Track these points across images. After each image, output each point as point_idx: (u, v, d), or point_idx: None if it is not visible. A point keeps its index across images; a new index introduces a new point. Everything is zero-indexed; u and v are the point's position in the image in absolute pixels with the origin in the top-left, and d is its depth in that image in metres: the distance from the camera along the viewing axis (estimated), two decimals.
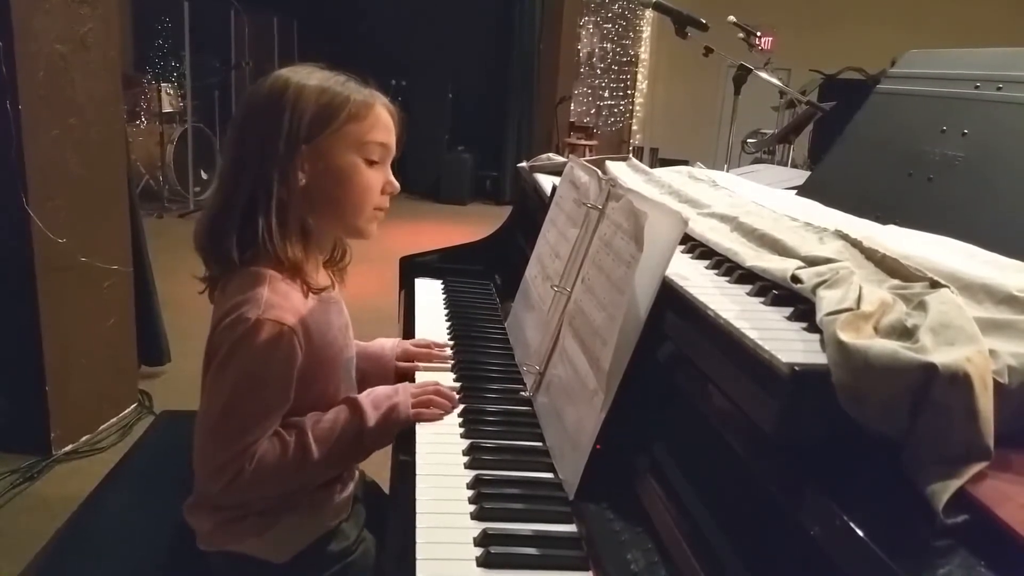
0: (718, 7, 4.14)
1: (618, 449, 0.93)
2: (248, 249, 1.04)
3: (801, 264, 0.85)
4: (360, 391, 1.17)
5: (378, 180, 1.11)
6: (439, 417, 1.13)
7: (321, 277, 1.15)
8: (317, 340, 1.07)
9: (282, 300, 1.02)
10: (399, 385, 1.17)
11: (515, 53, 8.12)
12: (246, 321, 0.99)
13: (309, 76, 1.07)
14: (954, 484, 0.55)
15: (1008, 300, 0.70)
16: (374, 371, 1.34)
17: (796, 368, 0.63)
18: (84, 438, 2.60)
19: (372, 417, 1.09)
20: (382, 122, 1.11)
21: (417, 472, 0.99)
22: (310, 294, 1.08)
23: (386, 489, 1.26)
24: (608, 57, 9.83)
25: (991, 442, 0.57)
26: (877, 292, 0.71)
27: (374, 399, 1.12)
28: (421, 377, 1.30)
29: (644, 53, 10.41)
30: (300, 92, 1.05)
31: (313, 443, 1.04)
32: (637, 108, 10.60)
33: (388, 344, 1.38)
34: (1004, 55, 1.21)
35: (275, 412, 1.03)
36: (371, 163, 1.10)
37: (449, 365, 1.35)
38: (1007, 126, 1.12)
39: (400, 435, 1.11)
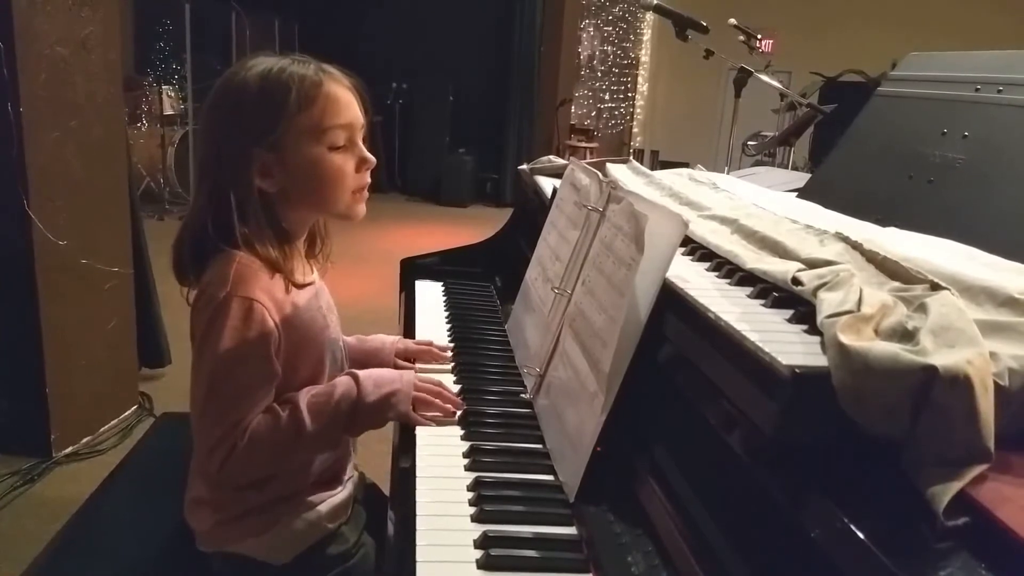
0: (718, 10, 4.15)
1: (619, 451, 0.93)
2: (221, 244, 1.03)
3: (802, 266, 0.85)
4: None
5: (349, 162, 1.06)
6: (434, 422, 1.12)
7: (305, 269, 1.14)
8: (294, 320, 1.06)
9: (250, 276, 1.01)
10: (404, 372, 1.16)
11: (516, 55, 8.13)
12: (215, 299, 0.99)
13: (250, 67, 1.02)
14: (955, 486, 0.55)
15: (1008, 302, 0.70)
16: (373, 365, 1.32)
17: (797, 370, 0.63)
18: (84, 440, 2.60)
19: (371, 393, 1.07)
20: (336, 102, 1.04)
21: (417, 474, 0.99)
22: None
23: (386, 491, 1.26)
24: (609, 60, 9.84)
25: (991, 444, 0.57)
26: (878, 294, 0.71)
27: (376, 378, 1.10)
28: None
29: (645, 56, 10.41)
30: (242, 91, 1.01)
31: (307, 415, 1.02)
32: (638, 111, 10.61)
33: (388, 340, 1.38)
34: (1004, 58, 1.21)
35: (260, 386, 1.01)
36: (337, 148, 1.04)
37: (449, 367, 1.35)
38: (1007, 128, 1.12)
39: (400, 437, 1.11)
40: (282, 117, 1.01)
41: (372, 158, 1.09)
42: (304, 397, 1.04)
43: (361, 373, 1.10)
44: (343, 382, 1.08)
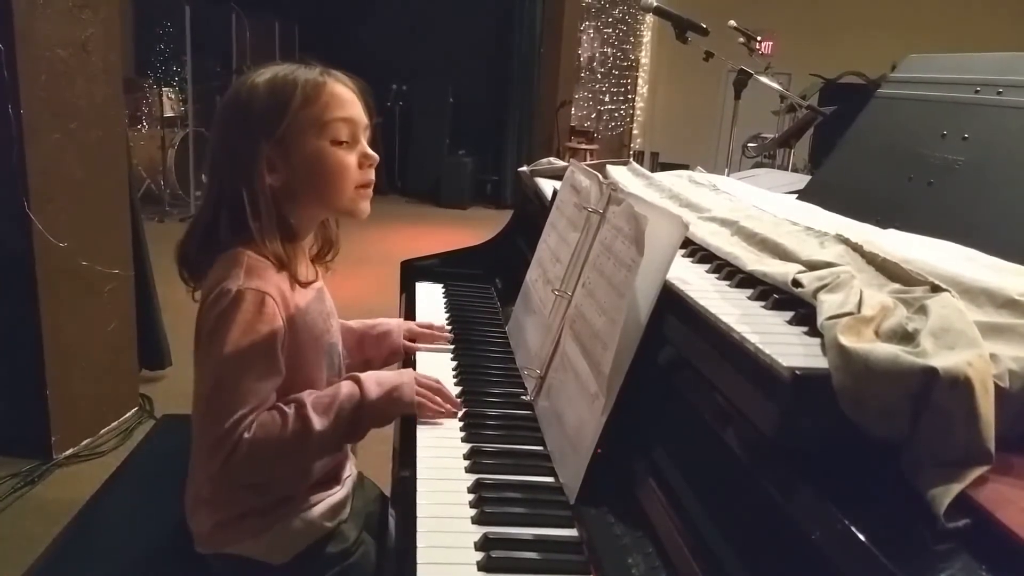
0: (718, 12, 4.15)
1: (619, 453, 0.93)
2: (229, 243, 1.05)
3: (802, 268, 0.85)
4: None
5: (351, 157, 1.09)
6: (437, 417, 1.13)
7: (309, 271, 1.16)
8: (297, 320, 1.07)
9: (261, 271, 1.03)
10: (404, 370, 1.19)
11: (516, 57, 8.13)
12: (227, 293, 0.99)
13: (261, 74, 1.08)
14: (955, 488, 0.55)
15: (1008, 304, 0.70)
16: (382, 351, 1.39)
17: (797, 372, 0.63)
18: (85, 442, 2.60)
19: (374, 392, 1.09)
20: (338, 98, 1.08)
21: (418, 476, 0.99)
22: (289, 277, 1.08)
23: (386, 491, 1.26)
24: (609, 61, 9.84)
25: (992, 446, 0.57)
26: (878, 296, 0.71)
27: (377, 377, 1.12)
28: (422, 361, 1.35)
29: (644, 58, 10.41)
30: (252, 90, 1.06)
31: (313, 414, 1.02)
32: (638, 112, 10.61)
33: (394, 323, 1.43)
34: (1004, 60, 1.21)
35: (266, 381, 1.02)
36: (339, 143, 1.08)
37: (451, 348, 1.41)
38: (1007, 130, 1.12)
39: (401, 439, 1.11)
40: (287, 111, 1.05)
41: (375, 155, 1.13)
42: (309, 397, 1.05)
43: (362, 375, 1.11)
44: (346, 384, 1.10)
